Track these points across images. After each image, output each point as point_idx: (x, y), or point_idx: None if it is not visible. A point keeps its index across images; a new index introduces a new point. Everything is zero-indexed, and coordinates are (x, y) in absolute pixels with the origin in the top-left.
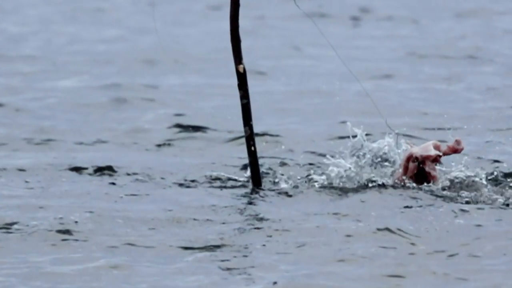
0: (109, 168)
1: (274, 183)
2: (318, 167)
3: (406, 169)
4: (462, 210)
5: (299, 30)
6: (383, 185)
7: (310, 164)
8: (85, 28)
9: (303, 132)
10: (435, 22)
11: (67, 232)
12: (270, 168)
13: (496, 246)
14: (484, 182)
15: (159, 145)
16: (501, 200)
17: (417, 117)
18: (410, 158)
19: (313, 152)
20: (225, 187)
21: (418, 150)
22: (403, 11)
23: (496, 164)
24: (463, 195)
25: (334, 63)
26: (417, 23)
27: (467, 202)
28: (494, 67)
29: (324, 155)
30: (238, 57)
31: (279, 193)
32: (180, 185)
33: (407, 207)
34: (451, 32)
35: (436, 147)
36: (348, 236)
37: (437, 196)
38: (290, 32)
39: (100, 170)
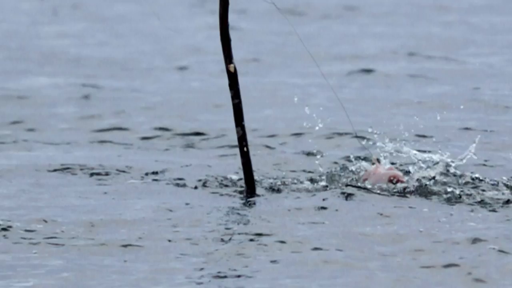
0: (98, 169)
1: (269, 185)
2: (313, 172)
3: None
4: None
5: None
6: (381, 188)
7: (303, 170)
8: (66, 26)
9: (292, 131)
10: (420, 21)
11: (55, 235)
12: (263, 169)
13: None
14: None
15: (147, 146)
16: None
17: (387, 117)
18: (364, 181)
19: (304, 151)
20: (217, 189)
21: (372, 179)
22: (387, 9)
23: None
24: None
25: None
26: (402, 21)
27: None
28: (467, 66)
29: (316, 155)
30: (228, 56)
31: (274, 194)
32: (169, 188)
33: (412, 210)
34: (433, 30)
35: (393, 180)
36: (349, 242)
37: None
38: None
39: (88, 170)
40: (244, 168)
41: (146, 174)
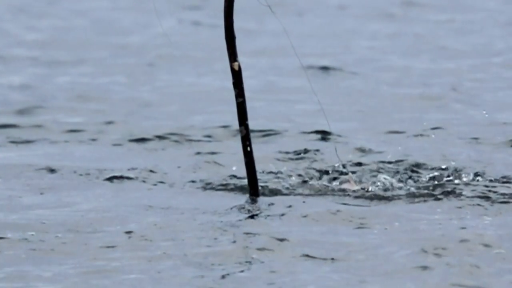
0: (87, 168)
1: (272, 186)
2: (322, 172)
3: None
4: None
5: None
6: (386, 191)
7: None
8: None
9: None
10: (409, 19)
11: (44, 237)
12: (267, 169)
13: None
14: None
15: (139, 146)
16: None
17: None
18: None
19: (306, 151)
20: (218, 189)
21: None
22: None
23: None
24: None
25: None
26: (390, 19)
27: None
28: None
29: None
30: (232, 54)
31: (277, 196)
32: (163, 189)
33: (430, 216)
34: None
35: None
36: (351, 248)
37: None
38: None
39: (76, 170)
40: (247, 168)
41: (135, 174)
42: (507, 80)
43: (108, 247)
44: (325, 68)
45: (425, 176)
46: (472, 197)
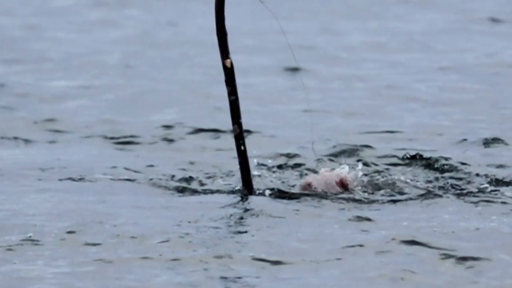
0: (76, 169)
1: (268, 186)
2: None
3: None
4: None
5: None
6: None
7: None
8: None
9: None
10: (402, 17)
11: (37, 242)
12: (262, 168)
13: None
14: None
15: (125, 146)
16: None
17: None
18: (307, 187)
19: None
20: (211, 192)
21: (321, 185)
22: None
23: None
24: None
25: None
26: (382, 17)
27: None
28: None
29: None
30: (224, 51)
31: (273, 197)
32: (154, 190)
33: (437, 218)
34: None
35: (342, 184)
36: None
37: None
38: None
39: (62, 171)
40: (241, 168)
41: (124, 173)
42: (493, 78)
43: (98, 246)
44: (301, 65)
45: (428, 176)
46: (480, 197)
